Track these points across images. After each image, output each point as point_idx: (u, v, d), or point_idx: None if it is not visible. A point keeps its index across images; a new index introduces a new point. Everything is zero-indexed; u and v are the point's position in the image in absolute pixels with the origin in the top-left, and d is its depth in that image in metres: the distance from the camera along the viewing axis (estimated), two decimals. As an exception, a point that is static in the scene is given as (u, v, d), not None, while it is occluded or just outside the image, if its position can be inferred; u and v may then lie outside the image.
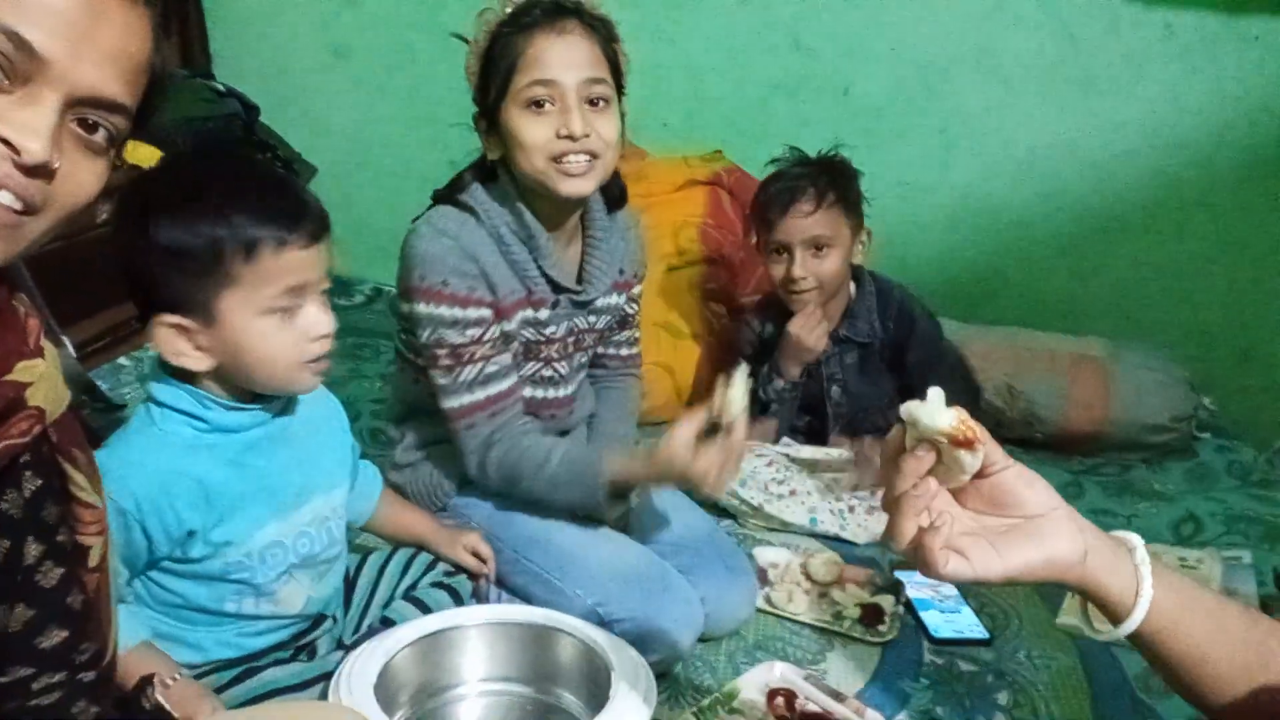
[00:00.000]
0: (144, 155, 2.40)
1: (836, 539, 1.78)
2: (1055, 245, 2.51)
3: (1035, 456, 2.11)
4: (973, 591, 1.64)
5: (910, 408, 0.73)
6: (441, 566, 1.42)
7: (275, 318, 1.05)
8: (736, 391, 1.30)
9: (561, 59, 1.33)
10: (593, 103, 1.36)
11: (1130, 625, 0.74)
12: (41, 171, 0.67)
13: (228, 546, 1.11)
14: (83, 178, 0.71)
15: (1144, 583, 0.74)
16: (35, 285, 1.40)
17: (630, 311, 1.65)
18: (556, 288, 1.47)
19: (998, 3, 2.41)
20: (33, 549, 0.81)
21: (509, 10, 1.36)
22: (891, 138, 2.12)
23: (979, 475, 0.74)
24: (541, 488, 1.41)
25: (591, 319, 1.55)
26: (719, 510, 1.80)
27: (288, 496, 1.16)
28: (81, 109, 0.69)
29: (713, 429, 1.30)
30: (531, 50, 1.33)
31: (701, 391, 2.21)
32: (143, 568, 1.10)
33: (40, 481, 0.82)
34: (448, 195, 1.46)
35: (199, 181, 1.05)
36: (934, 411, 0.72)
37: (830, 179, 1.80)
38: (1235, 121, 2.33)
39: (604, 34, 1.39)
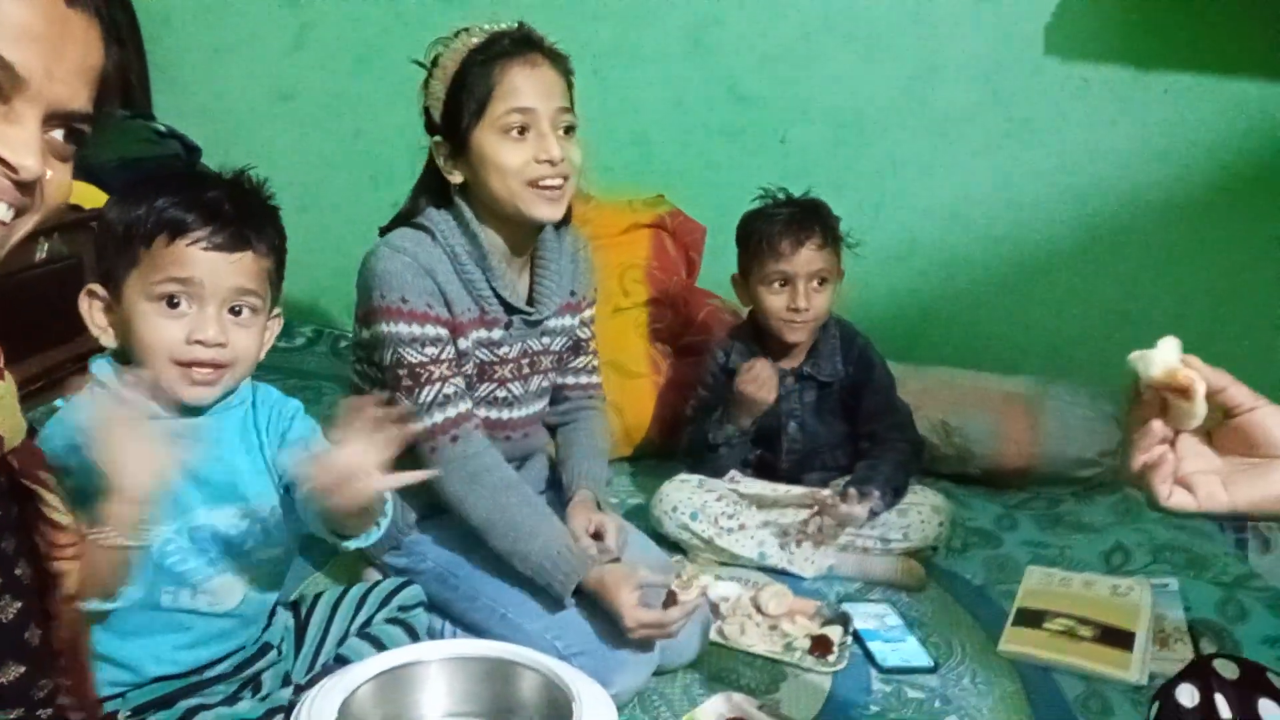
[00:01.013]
0: (82, 194, 2.37)
1: (784, 572, 1.82)
2: (988, 287, 2.61)
3: (970, 491, 2.20)
4: (916, 621, 1.69)
5: (1134, 356, 0.79)
6: (396, 602, 1.41)
7: (160, 306, 1.06)
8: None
9: (536, 88, 1.40)
10: (564, 130, 1.43)
11: None
12: (34, 185, 0.71)
13: (156, 525, 1.07)
14: (60, 182, 0.75)
15: None
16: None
17: (583, 336, 1.69)
18: (509, 308, 1.51)
19: (928, 57, 2.53)
20: None
21: (476, 41, 1.41)
22: (827, 184, 2.19)
23: (1229, 415, 0.80)
24: (513, 556, 1.42)
25: (545, 340, 1.59)
26: (670, 545, 1.83)
27: (216, 489, 1.14)
28: (55, 121, 0.73)
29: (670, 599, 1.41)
30: (508, 80, 1.39)
31: (651, 431, 2.25)
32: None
33: (13, 510, 0.82)
34: (402, 221, 1.50)
35: (159, 174, 1.10)
36: (1150, 360, 0.78)
37: (827, 218, 1.88)
38: (1150, 167, 2.46)
39: (564, 67, 1.47)
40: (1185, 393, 0.77)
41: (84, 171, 2.39)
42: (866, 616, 1.69)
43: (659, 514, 1.86)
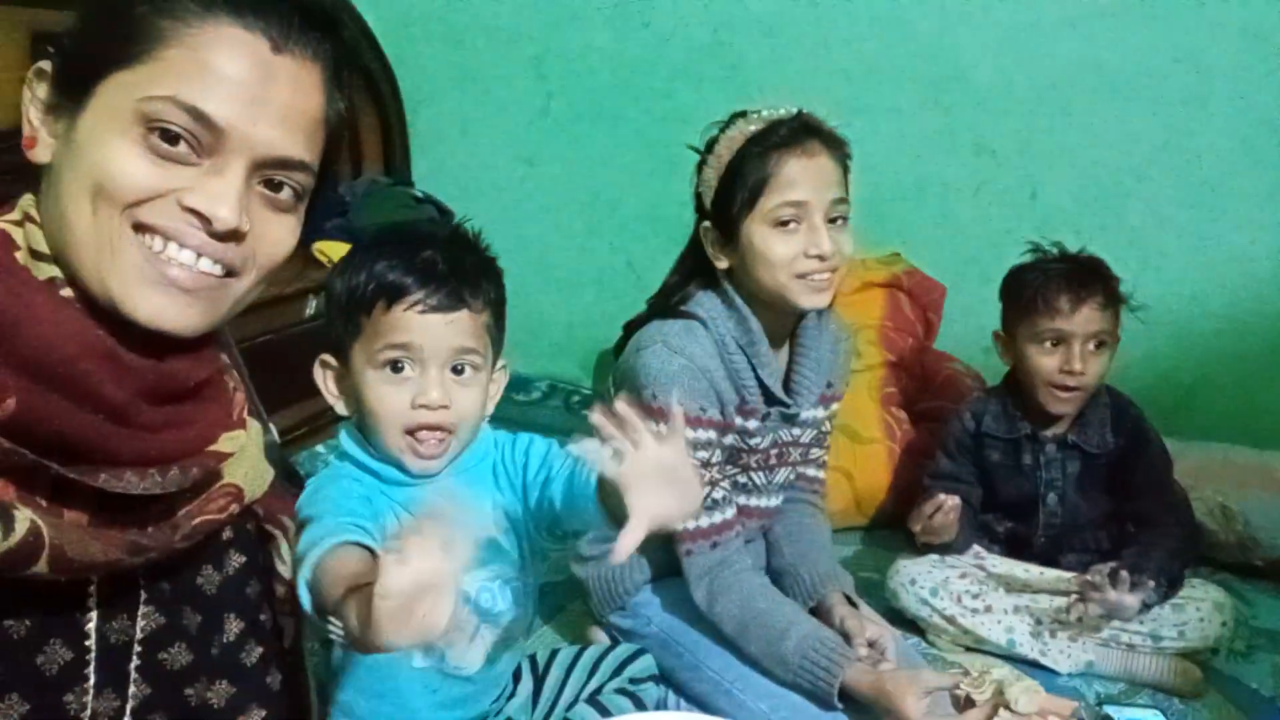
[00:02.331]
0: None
1: (1035, 665, 1.66)
2: (1270, 355, 2.33)
3: (1254, 585, 1.95)
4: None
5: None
6: (628, 673, 1.39)
7: (384, 373, 1.04)
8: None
9: (811, 180, 1.37)
10: (833, 220, 1.39)
11: None
12: (233, 236, 0.71)
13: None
14: (275, 235, 0.75)
15: None
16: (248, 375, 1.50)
17: (827, 429, 1.62)
18: (769, 399, 1.47)
19: (1194, 103, 2.32)
20: (234, 625, 0.84)
21: (753, 129, 1.40)
22: (1081, 242, 2.04)
23: None
24: (768, 656, 1.37)
25: (795, 432, 1.54)
26: (905, 623, 1.72)
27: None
28: (265, 170, 0.73)
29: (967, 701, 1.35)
30: (783, 171, 1.36)
31: (885, 499, 2.14)
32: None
33: (244, 558, 0.85)
34: (671, 306, 1.47)
35: (382, 236, 1.11)
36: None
37: (1108, 276, 1.74)
38: None
39: (841, 154, 1.43)
40: None
41: (348, 234, 2.61)
42: (1133, 723, 1.51)
43: (895, 587, 1.76)
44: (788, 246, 1.36)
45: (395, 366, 1.04)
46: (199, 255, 0.70)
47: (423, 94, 2.97)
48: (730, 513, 1.42)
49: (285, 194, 0.75)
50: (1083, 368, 1.70)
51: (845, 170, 1.43)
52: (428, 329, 1.04)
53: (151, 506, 0.71)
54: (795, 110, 1.42)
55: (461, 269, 1.07)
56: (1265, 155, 2.29)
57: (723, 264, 1.43)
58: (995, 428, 1.80)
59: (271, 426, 1.99)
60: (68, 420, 0.65)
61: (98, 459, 0.67)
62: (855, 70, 2.57)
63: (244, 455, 0.80)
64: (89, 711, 0.72)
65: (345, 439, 1.11)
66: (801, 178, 1.36)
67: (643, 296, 2.51)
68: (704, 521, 1.39)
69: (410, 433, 1.06)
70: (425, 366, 1.05)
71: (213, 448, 0.76)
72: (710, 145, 1.44)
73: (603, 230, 2.85)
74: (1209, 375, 2.40)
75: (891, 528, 2.10)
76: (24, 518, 0.62)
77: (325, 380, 1.10)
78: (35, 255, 0.70)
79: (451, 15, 2.88)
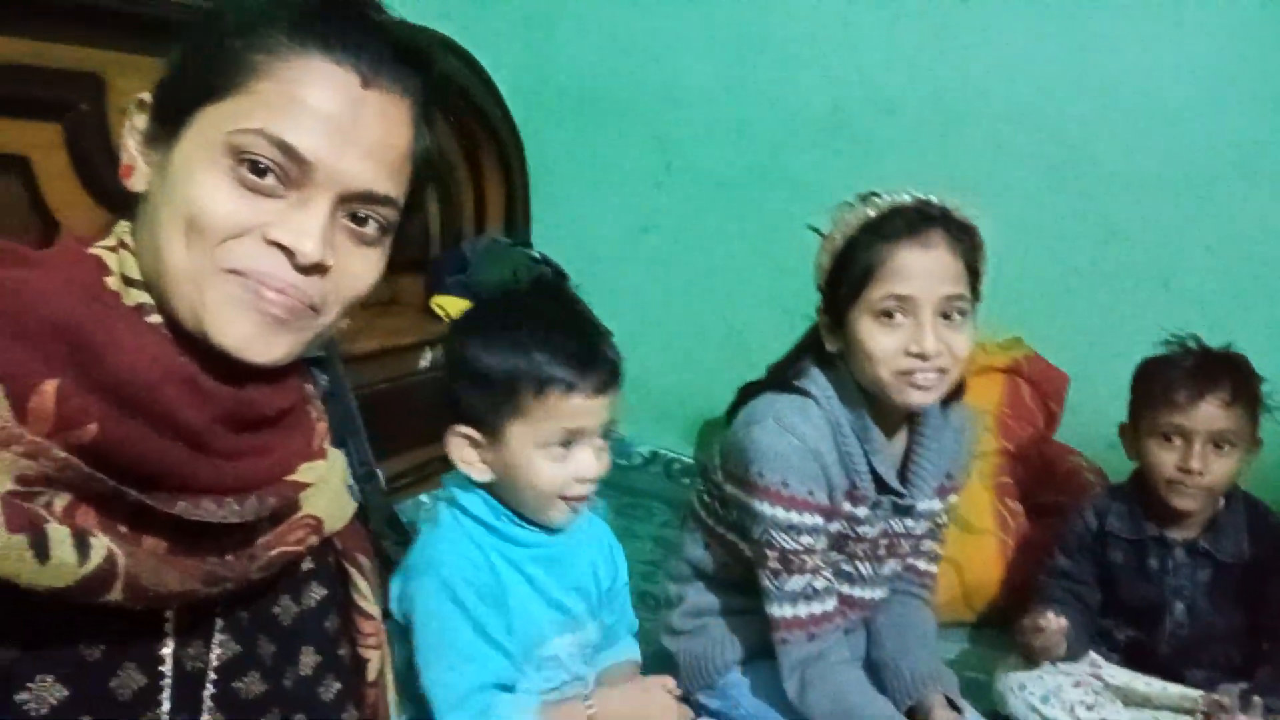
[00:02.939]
0: (460, 309, 2.64)
1: (1154, 786, 1.54)
2: None
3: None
4: None
5: None
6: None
7: (550, 452, 1.11)
8: None
9: (922, 273, 1.29)
10: (946, 315, 1.31)
11: None
12: (317, 269, 0.71)
13: (515, 649, 1.13)
14: (358, 270, 0.75)
15: None
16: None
17: (943, 521, 1.55)
18: (881, 487, 1.40)
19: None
20: (310, 659, 0.83)
21: (872, 214, 1.33)
22: (1222, 335, 1.94)
23: None
24: None
25: (909, 523, 1.47)
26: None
27: (568, 615, 1.18)
28: (350, 204, 0.73)
29: None
30: (892, 262, 1.29)
31: (996, 596, 2.04)
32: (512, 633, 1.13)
33: (325, 592, 0.84)
34: (785, 380, 1.43)
35: (517, 313, 1.12)
36: None
37: (1241, 374, 1.65)
38: None
39: (967, 242, 1.35)
40: None
41: (467, 290, 2.68)
42: None
43: (1003, 690, 1.66)
44: (890, 340, 1.30)
45: (564, 448, 1.12)
46: (282, 294, 0.71)
47: (548, 161, 3.05)
48: (831, 604, 1.37)
49: (370, 228, 0.75)
50: (1201, 466, 1.60)
51: (969, 260, 1.34)
52: (594, 412, 1.12)
53: (229, 536, 0.72)
54: (920, 196, 1.34)
55: (600, 350, 1.13)
56: None
57: (834, 347, 1.39)
58: (1120, 527, 1.70)
59: (380, 474, 2.03)
60: (148, 446, 0.65)
61: (176, 486, 0.67)
62: (980, 151, 2.53)
63: (324, 486, 0.80)
64: None
65: (469, 500, 1.15)
66: (912, 270, 1.29)
67: (748, 366, 2.49)
68: (802, 611, 1.34)
69: (565, 498, 1.15)
70: (586, 444, 1.13)
71: (292, 477, 0.76)
72: (832, 224, 1.40)
73: (712, 300, 2.85)
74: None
75: (1001, 626, 1.99)
76: (100, 545, 0.62)
77: (460, 450, 1.13)
78: (127, 281, 0.71)
79: (578, 87, 2.96)
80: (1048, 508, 2.17)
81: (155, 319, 0.71)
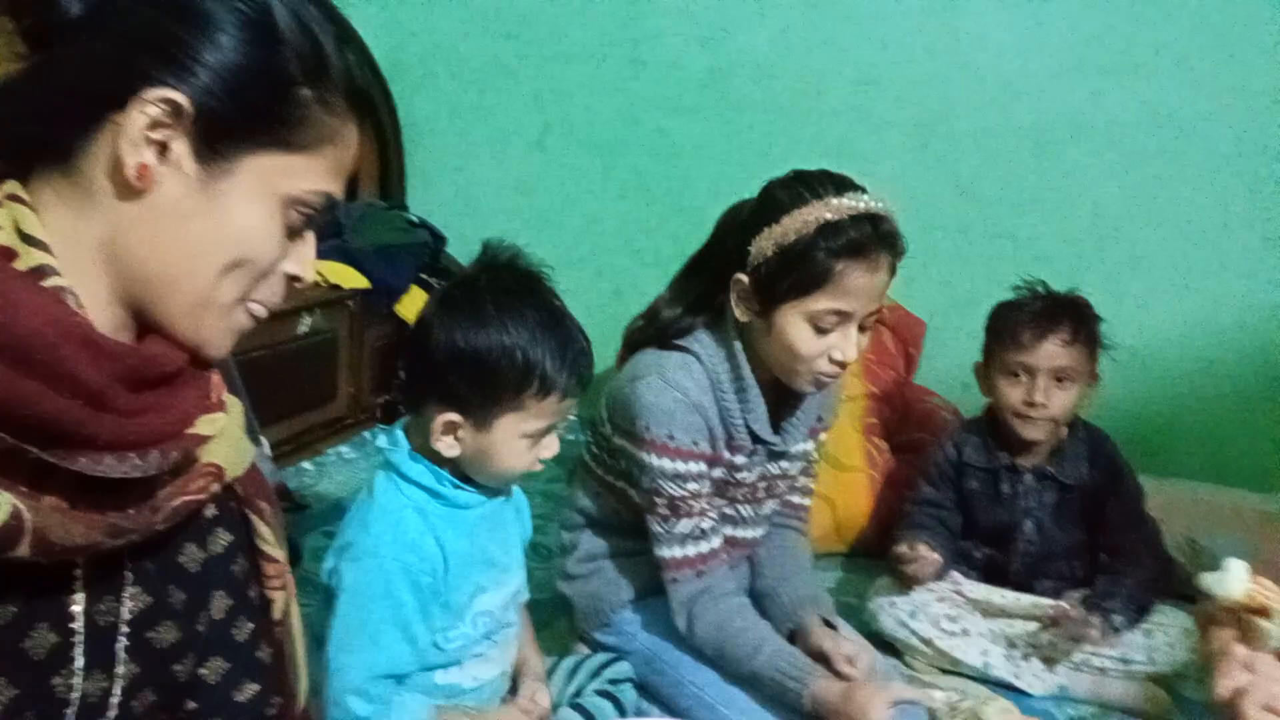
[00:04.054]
0: (341, 275, 2.61)
1: (1009, 687, 1.70)
2: (1239, 398, 2.42)
3: (1222, 619, 1.99)
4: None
5: (1207, 579, 0.79)
6: (608, 674, 1.43)
7: (530, 441, 1.16)
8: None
9: (864, 293, 1.32)
10: (863, 327, 1.37)
11: None
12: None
13: (450, 611, 1.17)
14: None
15: None
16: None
17: (814, 458, 1.65)
18: (756, 438, 1.48)
19: (1176, 156, 2.41)
20: (222, 602, 0.84)
21: (829, 217, 1.30)
22: (1061, 283, 2.12)
23: None
24: (743, 674, 1.40)
25: (784, 465, 1.55)
26: (883, 645, 1.75)
27: (501, 570, 1.23)
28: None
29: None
30: (843, 281, 1.30)
31: (866, 527, 2.18)
32: (434, 629, 1.17)
33: (231, 537, 0.85)
34: (668, 337, 1.46)
35: (515, 310, 1.12)
36: (1226, 581, 0.79)
37: (1081, 315, 1.80)
38: None
39: (898, 262, 1.38)
40: (1264, 612, 0.77)
41: (344, 255, 2.66)
42: (1103, 746, 1.55)
43: (874, 610, 1.80)
44: (815, 346, 1.33)
45: (541, 434, 1.17)
46: (275, 305, 0.77)
47: (422, 123, 3.03)
48: (717, 543, 1.44)
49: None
50: (1045, 400, 1.76)
51: (893, 274, 1.38)
52: (566, 410, 1.18)
53: (131, 490, 0.71)
54: (873, 208, 1.33)
55: (588, 356, 1.18)
56: (1237, 209, 2.39)
57: (745, 318, 1.39)
58: (976, 458, 1.86)
59: (264, 441, 1.98)
60: (47, 404, 0.64)
61: (76, 443, 0.66)
62: (847, 113, 2.66)
63: (224, 435, 0.80)
64: (77, 693, 0.72)
65: (412, 468, 1.17)
66: (858, 291, 1.31)
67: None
68: (690, 551, 1.41)
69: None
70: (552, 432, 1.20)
71: (192, 430, 0.75)
72: (777, 208, 1.33)
73: (594, 261, 2.91)
74: (1181, 416, 2.47)
75: (871, 554, 2.14)
76: (5, 501, 0.62)
77: (442, 432, 1.15)
78: (25, 239, 0.68)
79: (452, 48, 2.96)
80: (909, 444, 2.33)
81: (57, 281, 0.68)
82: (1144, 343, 2.46)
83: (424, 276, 2.79)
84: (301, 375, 2.52)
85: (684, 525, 1.41)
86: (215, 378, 0.81)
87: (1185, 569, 2.03)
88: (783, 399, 1.49)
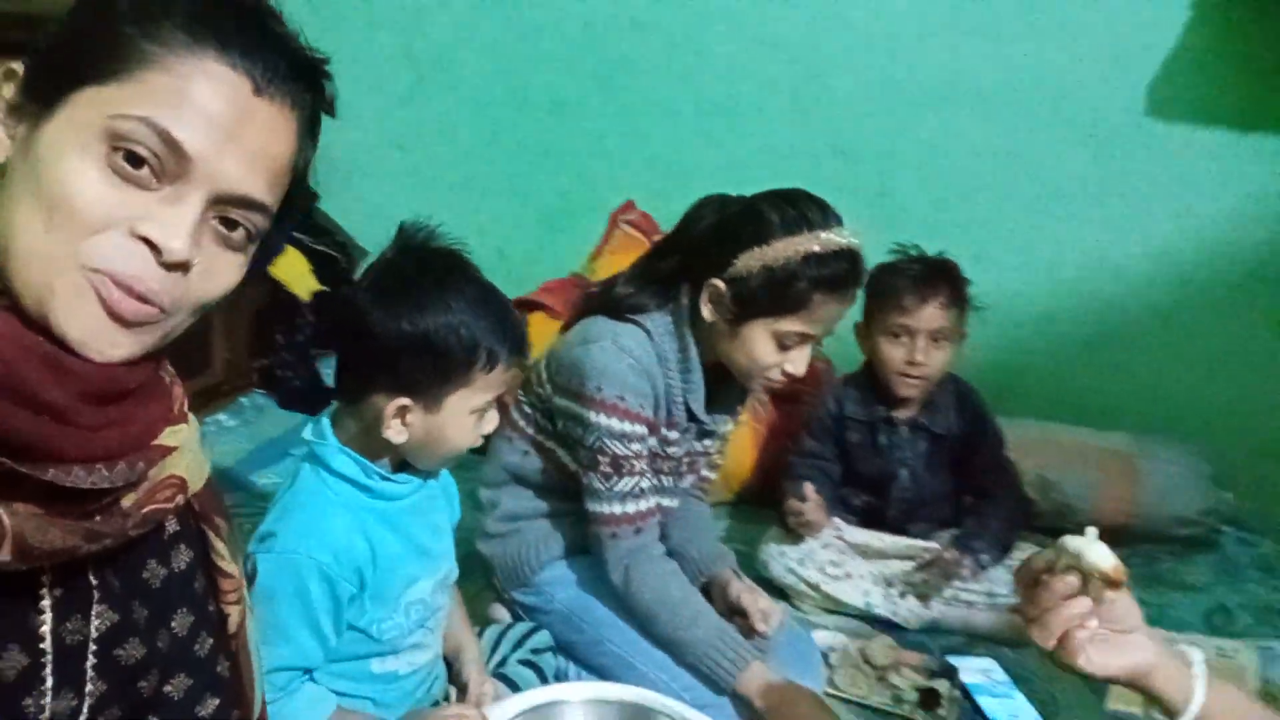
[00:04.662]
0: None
1: (888, 623, 1.85)
2: (1083, 343, 2.63)
3: (1068, 547, 2.21)
4: (1021, 677, 1.71)
5: (1076, 543, 0.89)
6: (530, 644, 1.49)
7: (476, 416, 1.18)
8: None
9: (830, 321, 1.46)
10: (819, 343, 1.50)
11: None
12: (180, 268, 0.70)
13: (384, 604, 1.19)
14: (219, 272, 0.74)
15: (1196, 692, 0.91)
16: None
17: (729, 438, 1.73)
18: (692, 417, 1.55)
19: (1029, 117, 2.57)
20: (185, 620, 0.85)
21: (817, 250, 1.39)
22: (927, 238, 2.26)
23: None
24: (671, 639, 1.46)
25: (707, 444, 1.64)
26: (773, 590, 1.87)
27: (431, 557, 1.25)
28: (223, 206, 0.72)
29: None
30: (818, 310, 1.41)
31: (751, 477, 2.30)
32: (344, 628, 1.17)
33: (191, 554, 0.85)
34: (620, 310, 1.52)
35: (450, 289, 1.13)
36: (1098, 551, 0.88)
37: (955, 280, 1.92)
38: (1248, 229, 2.48)
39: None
40: (1117, 585, 0.88)
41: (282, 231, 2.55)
42: (972, 670, 1.71)
43: (765, 558, 1.91)
44: (774, 359, 1.45)
45: (484, 413, 1.19)
46: (142, 290, 0.69)
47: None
48: (654, 501, 1.51)
49: (239, 233, 0.74)
50: (925, 359, 1.89)
51: None
52: (509, 380, 1.20)
53: (96, 502, 0.71)
54: (854, 247, 1.43)
55: (524, 330, 1.21)
56: (1083, 169, 2.57)
57: (708, 314, 1.47)
58: (856, 411, 1.99)
59: (193, 419, 1.93)
60: (12, 421, 0.64)
61: (42, 457, 0.66)
62: (726, 72, 2.71)
63: (185, 448, 0.80)
64: (47, 713, 0.72)
65: (338, 461, 1.16)
66: (828, 320, 1.44)
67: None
68: (630, 508, 1.48)
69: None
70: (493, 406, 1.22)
71: (157, 441, 0.75)
72: (768, 229, 1.41)
73: (474, 218, 2.88)
74: (1029, 362, 2.67)
75: (756, 502, 2.26)
76: None
77: (391, 418, 1.15)
78: None
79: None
80: (787, 396, 2.44)
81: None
82: (997, 294, 2.63)
83: (298, 235, 2.71)
84: (174, 343, 2.42)
85: (626, 483, 1.47)
86: (177, 389, 0.81)
87: (1038, 504, 2.24)
88: (718, 384, 1.56)
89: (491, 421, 1.22)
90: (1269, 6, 2.35)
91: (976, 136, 2.61)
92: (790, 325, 1.42)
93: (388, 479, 1.19)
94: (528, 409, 1.60)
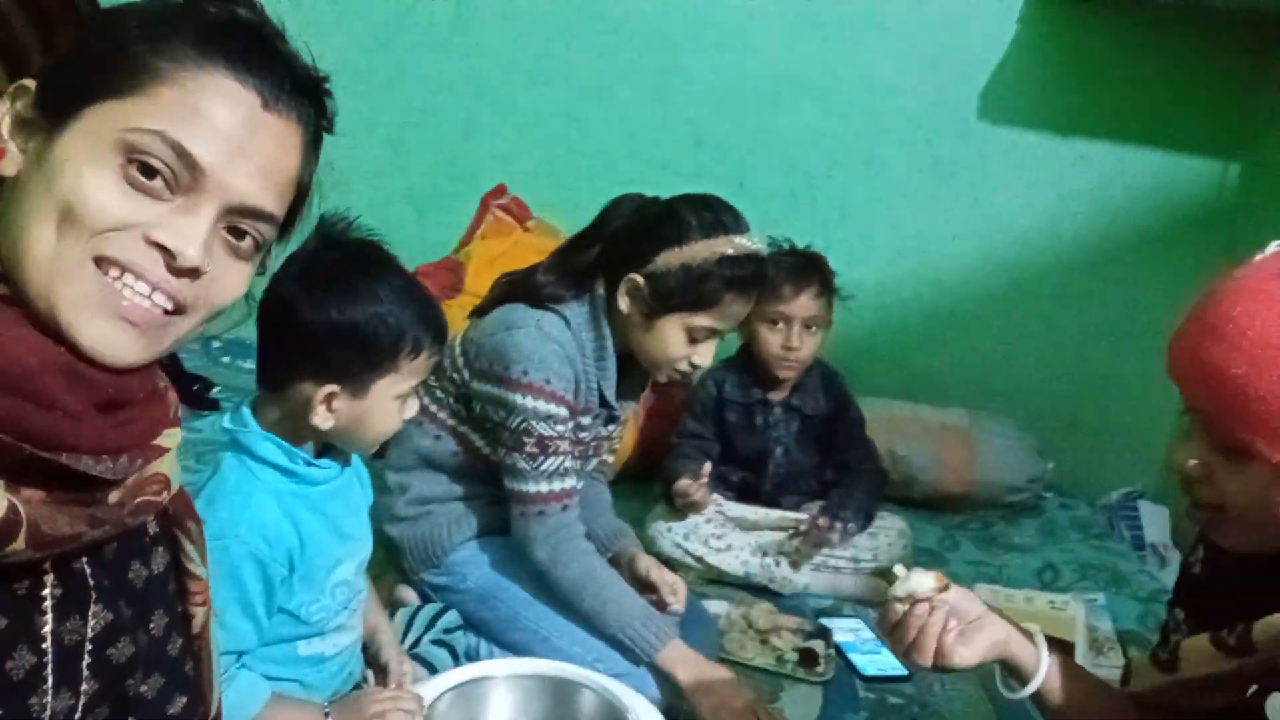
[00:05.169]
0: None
1: (766, 590, 1.99)
2: (922, 326, 2.87)
3: (914, 515, 2.40)
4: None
5: (904, 586, 1.09)
6: (441, 624, 1.53)
7: (400, 402, 1.21)
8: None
9: (736, 319, 1.57)
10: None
11: (1032, 688, 1.09)
12: (192, 274, 0.73)
13: (311, 586, 1.20)
14: (229, 281, 0.77)
15: (1042, 661, 1.09)
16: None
17: (627, 419, 1.81)
18: (604, 402, 1.62)
19: (873, 115, 2.77)
20: (160, 621, 0.87)
21: (731, 252, 1.50)
22: (781, 228, 2.39)
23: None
24: (592, 615, 1.52)
25: (611, 428, 1.71)
26: (664, 562, 1.96)
27: (353, 540, 1.27)
28: (233, 217, 0.75)
29: None
30: (727, 308, 1.52)
31: (632, 457, 2.39)
32: (275, 611, 1.18)
33: (168, 556, 0.88)
34: (540, 299, 1.57)
35: (370, 276, 1.17)
36: (918, 577, 1.10)
37: (824, 271, 2.06)
38: (1068, 221, 2.76)
39: None
40: (947, 588, 1.10)
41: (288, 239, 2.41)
42: (843, 630, 1.87)
43: (653, 534, 2.01)
44: (682, 351, 1.55)
45: (409, 395, 1.22)
46: (154, 290, 0.71)
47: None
48: (575, 481, 1.57)
49: (247, 242, 0.76)
50: (799, 345, 2.04)
51: None
52: (430, 366, 1.25)
53: (97, 491, 0.74)
54: (761, 252, 1.56)
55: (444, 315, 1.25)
56: (923, 164, 2.79)
57: (623, 308, 1.54)
58: (734, 394, 2.11)
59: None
60: (32, 420, 0.67)
61: (55, 447, 0.69)
62: (591, 60, 2.77)
63: (171, 454, 0.82)
64: (48, 712, 0.73)
65: (262, 447, 1.17)
66: (734, 317, 1.56)
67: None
68: (556, 486, 1.53)
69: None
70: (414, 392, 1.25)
71: (156, 442, 0.79)
72: (686, 230, 1.51)
73: (345, 200, 2.76)
74: (874, 344, 2.87)
75: (639, 480, 2.35)
76: (1, 496, 0.64)
77: (319, 406, 1.16)
78: None
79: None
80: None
81: (12, 311, 0.69)
82: (846, 279, 2.83)
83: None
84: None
85: (551, 462, 1.52)
86: (171, 395, 0.83)
87: (889, 475, 2.43)
88: (626, 373, 1.63)
89: (412, 407, 1.25)
90: (1089, 22, 2.62)
91: (825, 131, 2.79)
92: (702, 320, 1.52)
93: (311, 464, 1.21)
94: (440, 394, 1.62)
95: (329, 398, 1.16)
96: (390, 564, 1.69)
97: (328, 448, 1.25)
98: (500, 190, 2.76)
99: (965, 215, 2.81)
